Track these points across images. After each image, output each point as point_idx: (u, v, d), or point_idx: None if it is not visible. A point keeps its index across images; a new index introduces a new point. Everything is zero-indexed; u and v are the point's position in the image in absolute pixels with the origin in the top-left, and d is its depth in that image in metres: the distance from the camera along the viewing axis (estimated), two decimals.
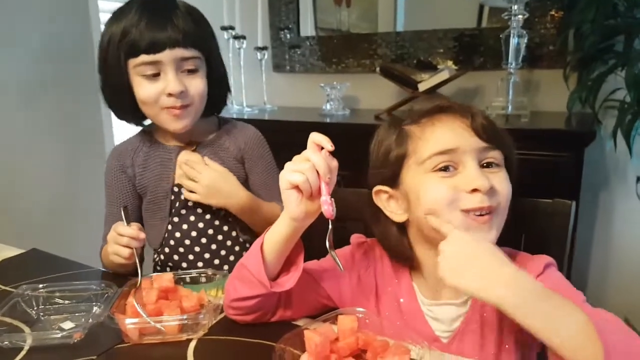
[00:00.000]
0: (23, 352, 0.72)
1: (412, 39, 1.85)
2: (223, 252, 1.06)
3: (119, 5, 0.99)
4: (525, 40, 1.50)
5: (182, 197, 1.03)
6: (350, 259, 0.84)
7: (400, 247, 0.80)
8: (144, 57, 0.93)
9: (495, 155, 0.74)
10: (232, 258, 1.06)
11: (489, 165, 0.74)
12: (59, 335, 0.73)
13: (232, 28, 1.96)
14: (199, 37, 0.97)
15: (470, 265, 0.64)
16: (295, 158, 0.71)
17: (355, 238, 0.88)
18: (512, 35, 1.49)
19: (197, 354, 0.72)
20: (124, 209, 0.90)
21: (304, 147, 0.73)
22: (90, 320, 0.75)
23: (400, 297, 0.81)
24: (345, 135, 1.61)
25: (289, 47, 2.09)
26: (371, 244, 0.86)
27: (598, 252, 1.68)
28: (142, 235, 0.88)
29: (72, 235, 1.19)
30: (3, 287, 0.93)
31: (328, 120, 1.78)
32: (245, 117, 1.94)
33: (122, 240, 0.87)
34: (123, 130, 1.14)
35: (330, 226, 0.71)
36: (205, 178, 0.98)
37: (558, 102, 1.57)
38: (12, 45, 1.85)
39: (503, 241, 0.81)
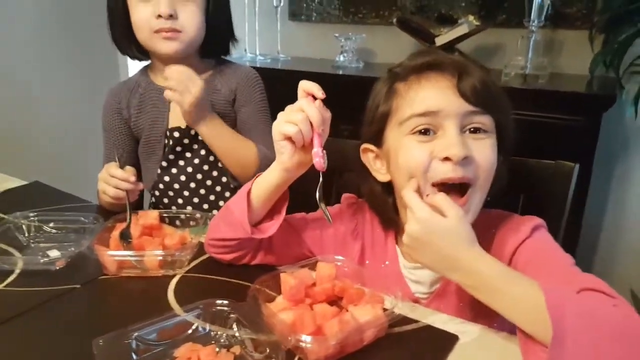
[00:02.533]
0: (13, 276, 0.75)
1: None
2: (212, 197, 1.06)
3: None
4: None
5: (171, 142, 1.03)
6: (337, 218, 0.83)
7: (384, 208, 0.78)
8: None
9: (483, 121, 0.68)
10: (221, 203, 1.06)
11: (476, 130, 0.68)
12: (41, 261, 0.75)
13: None
14: None
15: (431, 247, 0.63)
16: (288, 108, 0.69)
17: (346, 198, 0.86)
18: None
19: (178, 289, 0.73)
20: (118, 152, 0.92)
21: (315, 98, 0.72)
22: (73, 249, 0.77)
23: (385, 260, 0.80)
24: (356, 89, 1.59)
25: None
26: (361, 205, 0.84)
27: (609, 220, 1.63)
28: (132, 178, 0.88)
29: (80, 170, 1.21)
30: (1, 215, 0.96)
31: (340, 72, 1.74)
32: (258, 65, 1.90)
33: (112, 181, 0.89)
34: (137, 67, 1.14)
35: (321, 179, 0.70)
36: (184, 77, 0.95)
37: (581, 64, 1.49)
38: None
39: (501, 200, 0.79)
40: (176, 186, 1.05)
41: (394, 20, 1.70)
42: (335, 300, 0.70)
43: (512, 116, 0.74)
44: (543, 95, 1.35)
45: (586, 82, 1.45)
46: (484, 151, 0.68)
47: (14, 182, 1.16)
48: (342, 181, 1.12)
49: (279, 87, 1.30)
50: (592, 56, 1.43)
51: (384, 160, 0.75)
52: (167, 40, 0.97)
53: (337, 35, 1.80)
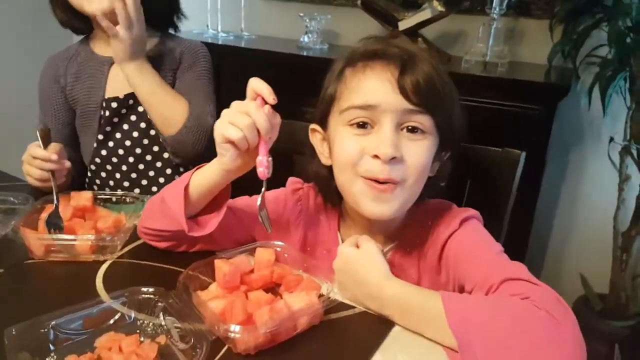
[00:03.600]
0: None
1: None
2: (152, 173, 1.03)
3: None
4: None
5: (107, 114, 0.99)
6: (282, 204, 0.81)
7: (328, 191, 0.77)
8: None
9: (421, 120, 0.66)
10: (161, 180, 1.03)
11: (413, 130, 0.67)
12: None
13: None
14: None
15: (349, 279, 0.66)
16: (234, 106, 0.65)
17: (292, 182, 0.84)
18: None
19: (107, 275, 0.70)
20: (40, 129, 0.85)
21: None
22: None
23: (327, 247, 0.79)
24: (320, 71, 1.57)
25: None
26: (306, 191, 0.82)
27: (563, 209, 1.67)
28: (54, 157, 0.83)
29: (19, 146, 1.15)
30: None
31: (305, 53, 1.70)
32: (220, 42, 1.84)
33: (34, 162, 0.84)
34: None
35: (263, 188, 0.67)
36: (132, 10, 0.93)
37: (541, 53, 1.50)
38: None
39: (447, 187, 0.80)
40: (114, 159, 1.02)
41: (359, 2, 1.67)
42: (273, 288, 0.69)
43: (458, 113, 0.71)
44: (502, 83, 1.35)
45: (544, 71, 1.46)
46: (417, 153, 0.67)
47: None
48: (292, 164, 1.11)
49: (243, 64, 1.25)
50: (552, 46, 1.44)
51: (327, 144, 0.74)
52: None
53: (302, 14, 1.76)
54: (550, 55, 1.43)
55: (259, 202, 0.68)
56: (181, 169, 1.05)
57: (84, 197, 0.78)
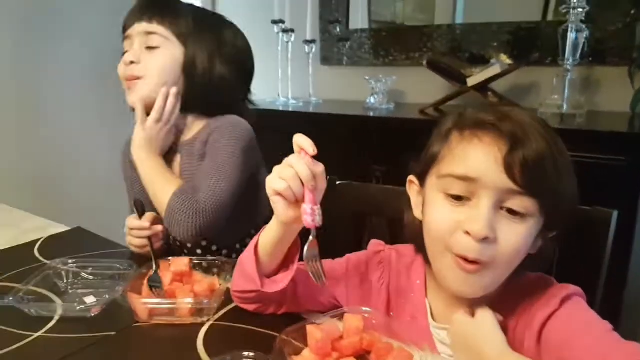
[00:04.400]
0: (53, 322, 0.77)
1: (465, 32, 1.77)
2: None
3: None
4: (585, 35, 1.39)
5: None
6: (364, 266, 0.81)
7: (419, 245, 0.75)
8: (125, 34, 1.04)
9: (524, 204, 0.62)
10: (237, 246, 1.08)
11: (512, 212, 0.63)
12: (77, 308, 0.77)
13: (282, 22, 1.98)
14: (170, 15, 1.02)
15: (463, 349, 0.66)
16: (284, 161, 0.68)
17: (373, 245, 0.84)
18: (570, 29, 1.38)
19: (207, 338, 0.73)
20: (135, 201, 0.95)
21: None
22: (107, 297, 0.78)
23: (411, 312, 0.77)
24: (387, 130, 1.61)
25: (337, 40, 2.08)
26: (388, 253, 0.82)
27: None
28: (147, 224, 0.92)
29: (120, 216, 1.27)
30: (44, 261, 1.00)
31: (371, 114, 1.76)
32: (290, 109, 1.95)
33: (133, 232, 0.94)
34: None
35: (311, 236, 0.68)
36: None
37: (621, 101, 1.44)
38: (77, 37, 1.99)
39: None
40: None
41: (424, 62, 1.72)
42: (363, 355, 0.68)
43: (570, 190, 0.66)
44: (581, 134, 1.31)
45: (628, 119, 1.40)
46: (513, 236, 0.63)
47: (57, 228, 1.21)
48: (372, 226, 1.11)
49: (311, 128, 1.28)
50: (633, 93, 1.39)
51: (422, 199, 0.73)
52: (128, 90, 1.03)
53: (367, 77, 1.83)
54: (633, 102, 1.37)
55: (305, 252, 0.68)
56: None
57: (182, 263, 0.83)
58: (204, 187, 0.94)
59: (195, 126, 1.07)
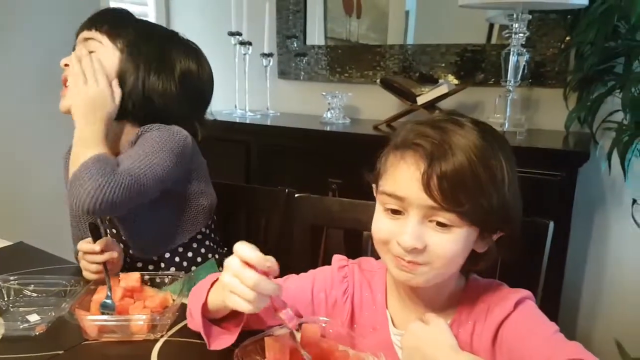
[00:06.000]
0: None
1: (415, 52, 1.85)
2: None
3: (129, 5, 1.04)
4: (526, 59, 1.49)
5: None
6: (329, 282, 0.83)
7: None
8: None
9: (447, 217, 0.65)
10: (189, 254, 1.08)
11: (441, 224, 0.66)
12: (21, 327, 0.75)
13: (239, 34, 1.99)
14: (109, 23, 1.03)
15: (417, 355, 0.68)
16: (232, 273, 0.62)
17: (337, 260, 0.86)
18: (512, 52, 1.48)
19: (161, 354, 0.72)
20: (89, 225, 0.92)
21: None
22: (53, 314, 0.76)
23: (374, 324, 0.80)
24: (343, 144, 1.64)
25: (294, 55, 2.11)
26: (351, 268, 0.84)
27: (591, 273, 1.64)
28: (98, 248, 0.89)
29: (67, 231, 1.23)
30: None
31: (328, 128, 1.79)
32: (248, 121, 1.96)
33: (87, 257, 0.90)
34: None
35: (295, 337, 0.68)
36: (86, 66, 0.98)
37: (557, 121, 1.55)
38: (29, 38, 1.91)
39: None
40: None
41: (378, 80, 1.78)
42: None
43: (508, 196, 0.67)
44: (521, 151, 1.39)
45: (562, 137, 1.51)
46: (442, 245, 0.67)
47: None
48: (328, 238, 1.14)
49: (269, 141, 1.29)
50: (567, 113, 1.50)
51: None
52: (62, 96, 1.02)
53: (324, 93, 1.87)
54: (567, 122, 1.48)
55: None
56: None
57: (132, 278, 0.82)
58: (125, 164, 0.90)
59: (133, 134, 1.03)
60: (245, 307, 0.62)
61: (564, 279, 1.39)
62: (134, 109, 1.02)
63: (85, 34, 1.03)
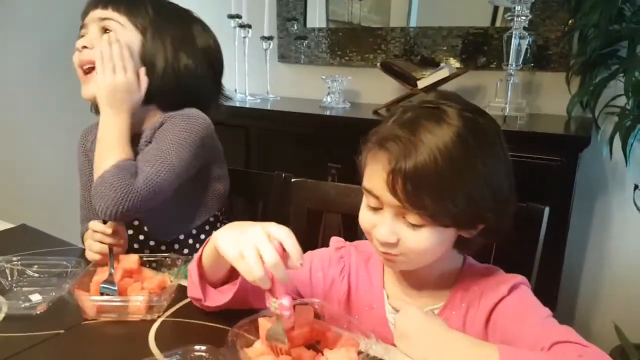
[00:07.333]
0: None
1: (417, 35, 1.83)
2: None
3: None
4: (528, 42, 1.48)
5: None
6: (327, 262, 0.85)
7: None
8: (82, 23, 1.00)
9: (413, 218, 0.67)
10: (202, 236, 1.07)
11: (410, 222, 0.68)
12: (23, 306, 0.76)
13: (238, 17, 1.97)
14: (126, 3, 0.99)
15: (420, 338, 0.68)
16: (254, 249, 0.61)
17: (334, 242, 0.88)
18: (514, 36, 1.46)
19: (159, 334, 0.74)
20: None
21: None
22: (54, 294, 0.77)
23: (371, 303, 0.82)
24: (343, 128, 1.64)
25: (294, 38, 2.09)
26: (348, 249, 0.87)
27: (591, 259, 1.65)
28: (109, 231, 0.88)
29: (69, 213, 1.23)
30: None
31: (327, 112, 1.79)
32: (247, 105, 1.95)
33: (95, 236, 0.89)
34: None
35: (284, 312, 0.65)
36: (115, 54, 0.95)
37: (559, 105, 1.54)
38: (32, 29, 1.90)
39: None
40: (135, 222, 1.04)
41: (378, 64, 1.76)
42: (313, 345, 0.71)
43: (486, 189, 0.67)
44: (522, 136, 1.39)
45: (564, 122, 1.50)
46: (413, 242, 0.69)
47: (0, 225, 1.17)
48: (326, 222, 1.15)
49: (269, 125, 1.29)
50: (569, 97, 1.48)
51: None
52: (82, 82, 0.99)
53: (324, 77, 1.86)
54: (569, 106, 1.47)
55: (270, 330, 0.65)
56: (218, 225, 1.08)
57: (131, 260, 0.83)
58: (144, 171, 0.91)
59: (157, 118, 1.03)
60: (248, 276, 0.61)
61: (564, 265, 1.39)
62: (162, 93, 1.00)
63: (100, 12, 0.97)
